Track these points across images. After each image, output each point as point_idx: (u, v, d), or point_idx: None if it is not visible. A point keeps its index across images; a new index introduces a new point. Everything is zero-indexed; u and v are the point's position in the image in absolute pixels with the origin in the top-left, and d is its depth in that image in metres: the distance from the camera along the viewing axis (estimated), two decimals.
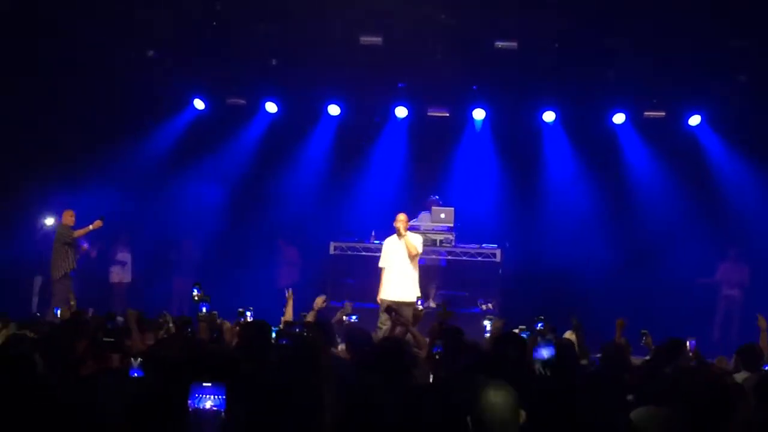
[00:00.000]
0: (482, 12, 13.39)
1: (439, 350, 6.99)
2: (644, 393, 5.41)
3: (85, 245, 13.93)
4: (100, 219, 13.38)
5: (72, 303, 11.32)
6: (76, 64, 14.16)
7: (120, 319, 8.48)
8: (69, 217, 13.51)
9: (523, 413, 4.17)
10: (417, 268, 11.93)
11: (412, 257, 11.79)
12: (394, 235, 11.93)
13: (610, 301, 13.85)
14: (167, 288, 15.85)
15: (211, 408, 3.91)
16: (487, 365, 5.43)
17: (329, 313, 10.14)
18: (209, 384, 3.93)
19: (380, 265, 12.06)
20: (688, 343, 8.10)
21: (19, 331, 7.64)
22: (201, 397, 3.93)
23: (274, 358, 5.79)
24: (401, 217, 11.88)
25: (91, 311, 11.04)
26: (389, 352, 5.74)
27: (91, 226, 13.39)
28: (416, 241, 11.93)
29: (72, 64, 14.15)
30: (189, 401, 3.90)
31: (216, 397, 3.93)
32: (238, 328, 8.01)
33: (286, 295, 9.47)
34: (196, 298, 8.59)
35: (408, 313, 10.93)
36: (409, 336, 8.47)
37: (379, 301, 11.80)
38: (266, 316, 8.78)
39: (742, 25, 12.90)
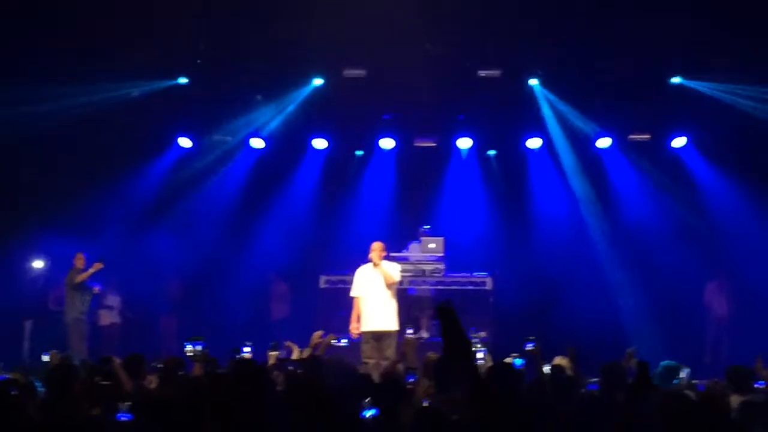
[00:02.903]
0: (465, 41, 13.50)
1: (412, 380, 7.02)
2: (632, 415, 5.40)
3: (97, 287, 13.97)
4: (100, 261, 13.55)
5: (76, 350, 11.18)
6: (61, 106, 14.10)
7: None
8: (79, 261, 13.70)
9: None
10: (396, 297, 11.76)
11: (389, 286, 11.64)
12: (369, 264, 11.73)
13: (602, 326, 13.86)
14: (156, 328, 15.75)
15: None
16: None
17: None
18: None
19: (352, 294, 11.80)
20: (682, 372, 8.18)
21: (10, 375, 7.56)
22: None
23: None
24: (376, 246, 11.68)
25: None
26: (391, 388, 5.77)
27: (92, 269, 13.56)
28: (392, 270, 11.75)
29: (56, 107, 14.08)
30: None
31: None
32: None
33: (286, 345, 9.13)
34: (189, 353, 7.77)
35: (390, 343, 11.02)
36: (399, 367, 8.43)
37: (355, 333, 11.52)
38: (257, 352, 8.76)
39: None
